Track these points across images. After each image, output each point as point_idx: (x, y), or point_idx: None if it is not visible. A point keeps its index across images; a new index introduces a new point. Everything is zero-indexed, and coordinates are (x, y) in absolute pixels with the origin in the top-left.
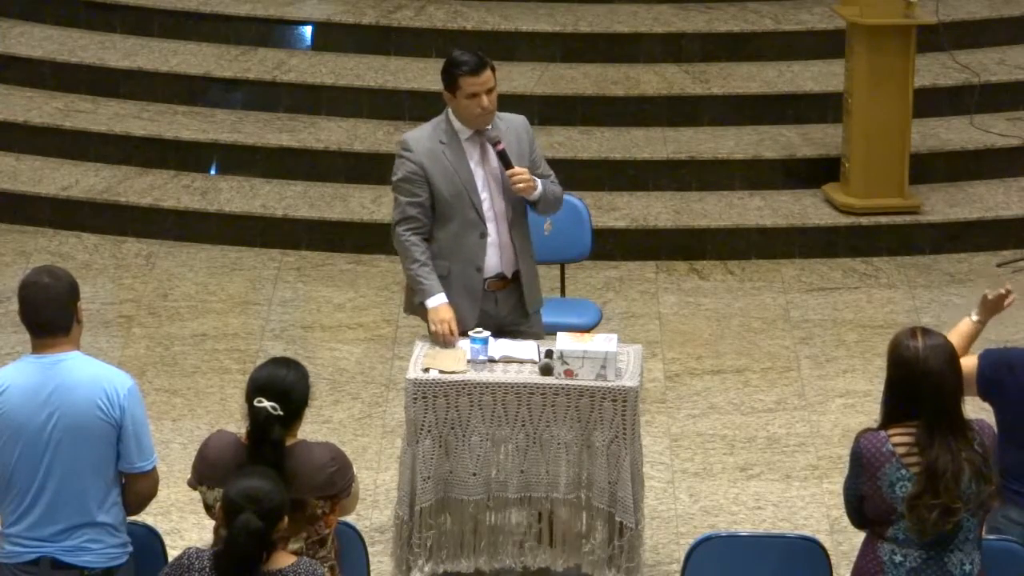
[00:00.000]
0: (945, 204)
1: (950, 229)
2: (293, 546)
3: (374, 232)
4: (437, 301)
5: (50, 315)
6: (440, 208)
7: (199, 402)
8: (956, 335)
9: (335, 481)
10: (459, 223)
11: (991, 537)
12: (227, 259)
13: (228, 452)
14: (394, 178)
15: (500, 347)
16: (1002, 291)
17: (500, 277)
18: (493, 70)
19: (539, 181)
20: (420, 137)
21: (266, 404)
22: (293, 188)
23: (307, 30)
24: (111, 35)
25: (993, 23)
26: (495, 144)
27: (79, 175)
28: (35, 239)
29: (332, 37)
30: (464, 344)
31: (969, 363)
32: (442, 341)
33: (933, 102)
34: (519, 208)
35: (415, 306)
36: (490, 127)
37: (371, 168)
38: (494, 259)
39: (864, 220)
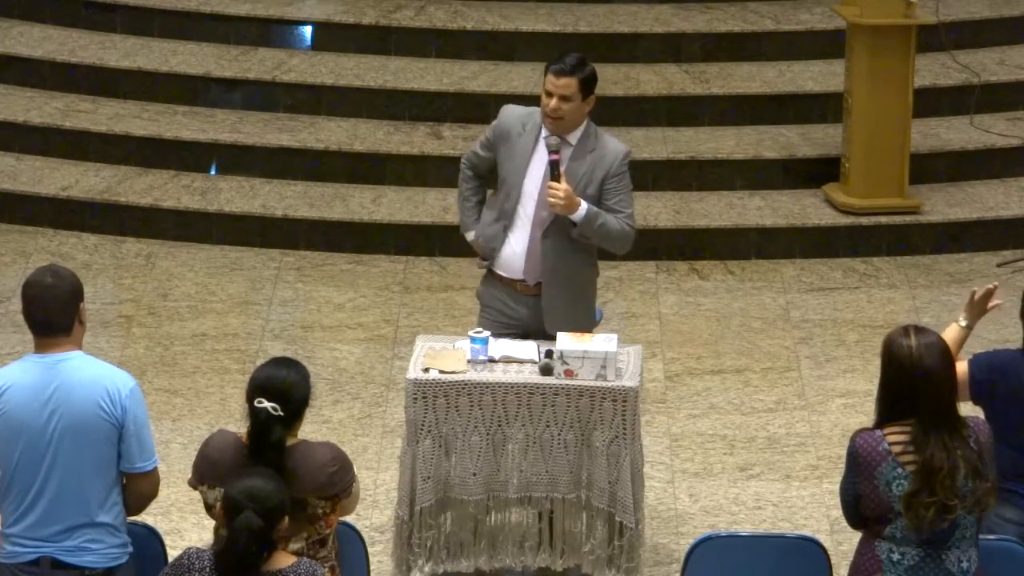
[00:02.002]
0: (945, 204)
1: (950, 229)
2: (294, 546)
3: (374, 232)
4: (471, 236)
5: (52, 315)
6: (498, 182)
7: (199, 402)
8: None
9: (336, 481)
10: (500, 204)
11: (990, 537)
12: (227, 259)
13: (229, 451)
14: None
15: (500, 347)
16: (990, 287)
17: (523, 283)
18: (585, 86)
19: (585, 206)
20: (513, 113)
21: (266, 405)
22: (293, 188)
23: (307, 30)
24: (111, 35)
25: (993, 23)
26: (550, 152)
27: (79, 175)
28: (35, 239)
29: (332, 37)
30: (464, 344)
31: (960, 369)
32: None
33: (933, 102)
34: (564, 226)
35: (484, 249)
36: (555, 136)
37: (371, 168)
38: (517, 261)
39: (864, 220)
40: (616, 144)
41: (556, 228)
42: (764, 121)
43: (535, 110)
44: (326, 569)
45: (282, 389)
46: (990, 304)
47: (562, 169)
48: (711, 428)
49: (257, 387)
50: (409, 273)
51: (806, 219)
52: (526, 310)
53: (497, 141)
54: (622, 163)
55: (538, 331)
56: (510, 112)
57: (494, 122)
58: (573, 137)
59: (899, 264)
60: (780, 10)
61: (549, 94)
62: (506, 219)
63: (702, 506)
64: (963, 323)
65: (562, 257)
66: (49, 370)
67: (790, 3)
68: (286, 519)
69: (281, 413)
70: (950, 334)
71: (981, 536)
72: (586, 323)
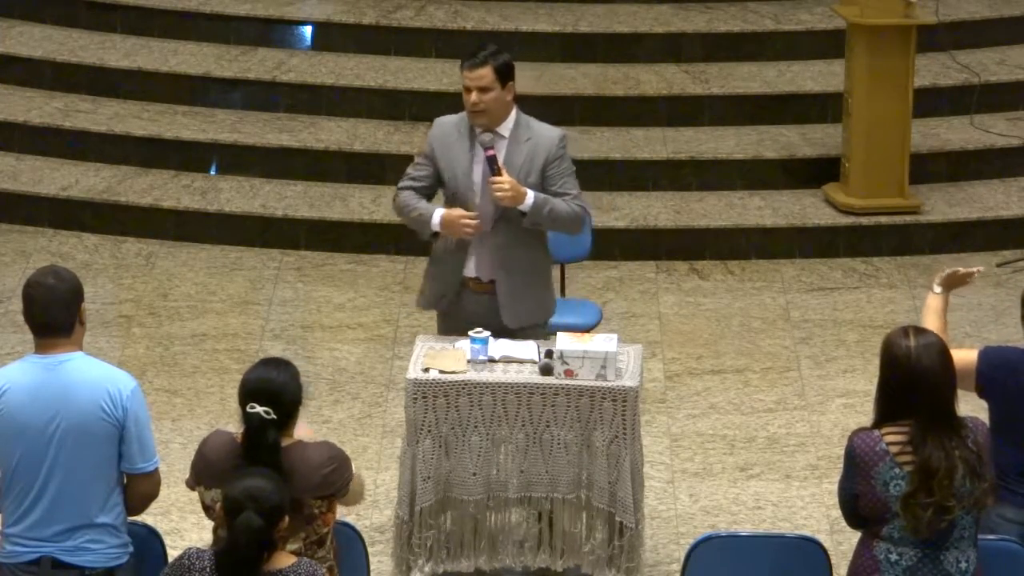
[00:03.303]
0: (945, 204)
1: (950, 229)
2: (291, 546)
3: (374, 232)
4: (439, 214)
5: (53, 316)
6: (446, 193)
7: (199, 402)
8: (932, 315)
9: (332, 480)
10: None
11: (990, 537)
12: (227, 259)
13: (225, 451)
14: None
15: (500, 347)
16: (973, 270)
17: (476, 280)
18: (500, 74)
19: (532, 194)
20: (446, 122)
21: (259, 410)
22: (293, 188)
23: (307, 30)
24: (111, 35)
25: (993, 23)
26: (485, 148)
27: (79, 175)
28: (35, 239)
29: (332, 37)
30: (464, 344)
31: (968, 358)
32: (473, 230)
33: (933, 102)
34: (512, 218)
35: (430, 298)
36: (484, 130)
37: (371, 168)
38: (470, 259)
39: (864, 220)
40: (550, 130)
41: (504, 222)
42: (764, 121)
43: (465, 114)
44: (324, 569)
45: (273, 391)
46: (969, 279)
47: (500, 162)
48: (711, 428)
49: (248, 392)
50: (409, 273)
51: (806, 219)
52: (481, 309)
53: (435, 153)
54: (559, 146)
55: (494, 329)
56: (442, 122)
57: (428, 136)
58: (505, 129)
59: (899, 264)
60: (780, 10)
61: (466, 89)
62: None
63: (702, 506)
64: (937, 289)
65: (513, 250)
66: (50, 371)
67: (790, 3)
68: (286, 519)
69: (274, 416)
70: (933, 305)
71: (981, 536)
72: (544, 312)
